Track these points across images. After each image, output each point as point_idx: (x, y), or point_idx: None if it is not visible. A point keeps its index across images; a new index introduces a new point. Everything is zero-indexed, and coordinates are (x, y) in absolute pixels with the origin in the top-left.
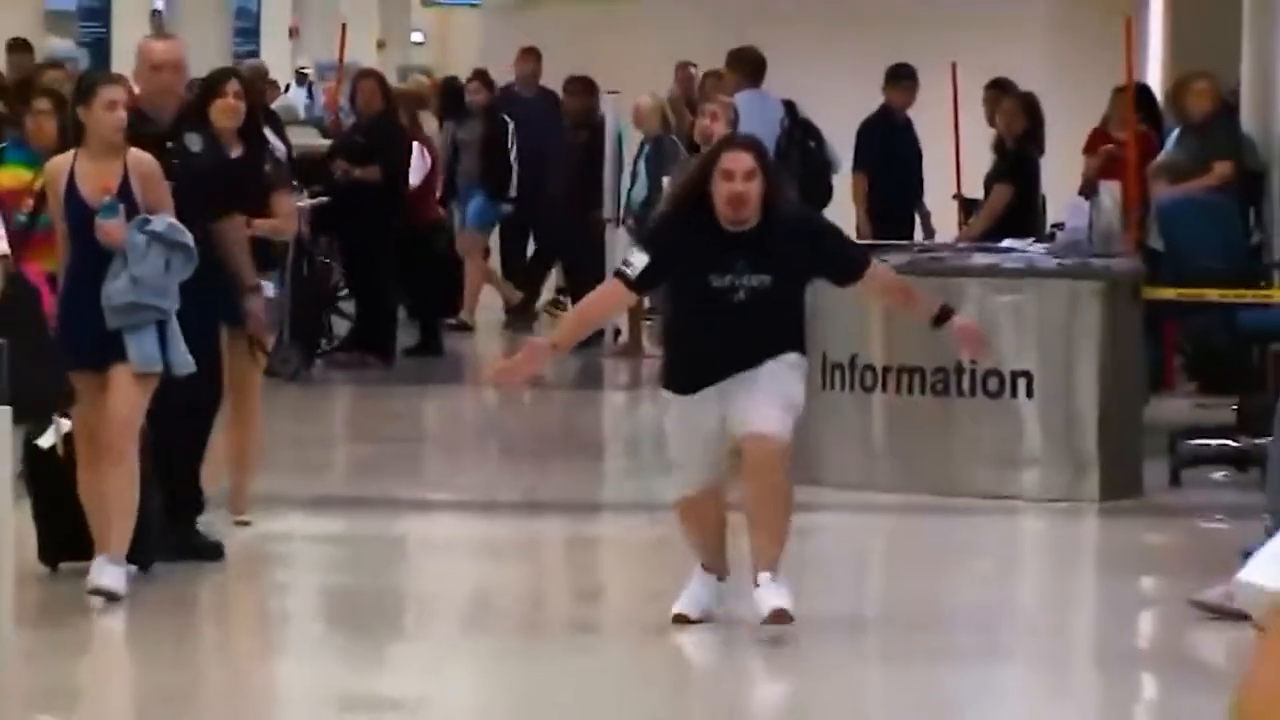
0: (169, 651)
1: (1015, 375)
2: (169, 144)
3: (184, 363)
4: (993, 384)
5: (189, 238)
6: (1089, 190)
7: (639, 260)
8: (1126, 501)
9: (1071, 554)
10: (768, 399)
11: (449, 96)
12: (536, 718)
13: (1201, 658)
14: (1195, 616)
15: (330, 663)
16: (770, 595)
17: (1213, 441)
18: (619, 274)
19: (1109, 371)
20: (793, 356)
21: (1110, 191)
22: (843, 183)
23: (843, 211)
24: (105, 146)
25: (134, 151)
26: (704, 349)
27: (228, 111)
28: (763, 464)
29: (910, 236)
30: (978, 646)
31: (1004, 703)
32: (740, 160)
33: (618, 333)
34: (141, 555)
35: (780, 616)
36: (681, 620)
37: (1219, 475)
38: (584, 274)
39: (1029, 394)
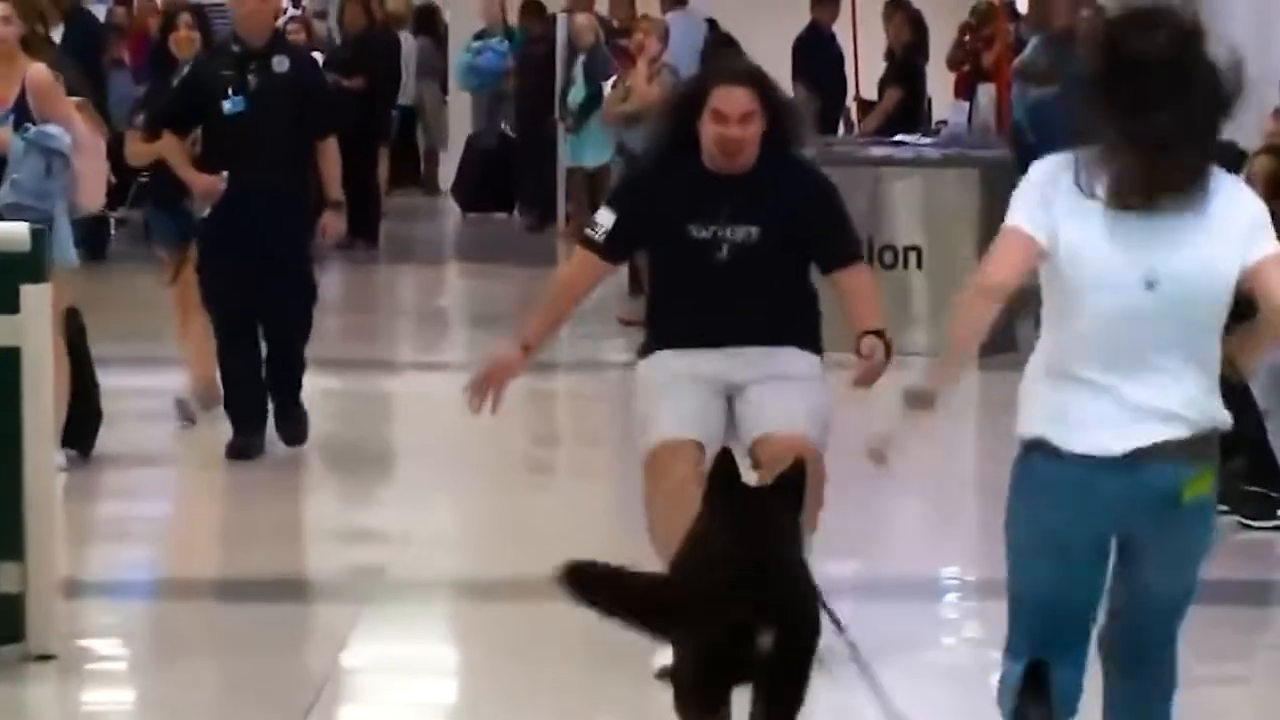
0: (197, 493)
1: (907, 249)
2: (253, 65)
3: (66, 259)
4: (888, 257)
5: (63, 142)
6: (966, 92)
7: (605, 219)
8: (1002, 355)
9: (955, 401)
10: (801, 410)
11: (422, 18)
12: (503, 544)
13: None
14: None
15: (327, 501)
16: None
17: None
18: (584, 240)
19: (986, 245)
20: (814, 363)
21: (986, 93)
22: None
23: None
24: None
25: (34, 66)
26: (690, 314)
27: (181, 43)
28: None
29: (838, 132)
30: (873, 479)
31: (895, 529)
32: (736, 100)
33: (569, 218)
34: (80, 442)
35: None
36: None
37: None
38: (539, 170)
39: (919, 265)
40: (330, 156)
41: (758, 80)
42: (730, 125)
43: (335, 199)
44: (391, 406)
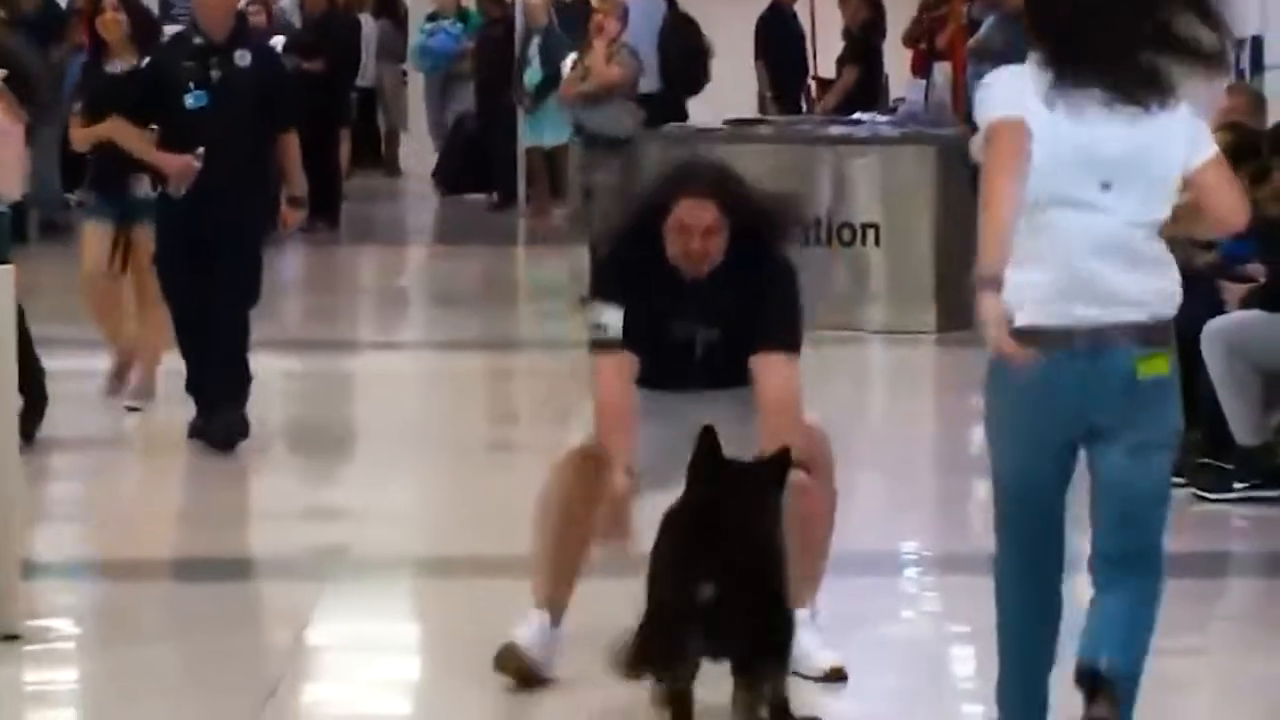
0: (154, 474)
1: (864, 226)
2: (215, 58)
3: None
4: (845, 234)
5: None
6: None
7: (612, 318)
8: (959, 332)
9: (913, 378)
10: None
11: (382, 0)
12: (464, 522)
13: None
14: None
15: (288, 481)
16: (818, 646)
17: None
18: (601, 346)
19: (943, 222)
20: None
21: (942, 71)
22: (721, 67)
23: (728, 94)
24: None
25: None
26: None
27: (107, 25)
28: (813, 458)
29: (800, 110)
30: (835, 452)
31: (856, 504)
32: (700, 213)
33: (529, 197)
34: (25, 425)
35: (837, 674)
36: (511, 654)
37: None
38: (496, 147)
39: (876, 242)
40: (291, 150)
41: (723, 192)
42: (694, 239)
43: (295, 194)
44: (352, 386)
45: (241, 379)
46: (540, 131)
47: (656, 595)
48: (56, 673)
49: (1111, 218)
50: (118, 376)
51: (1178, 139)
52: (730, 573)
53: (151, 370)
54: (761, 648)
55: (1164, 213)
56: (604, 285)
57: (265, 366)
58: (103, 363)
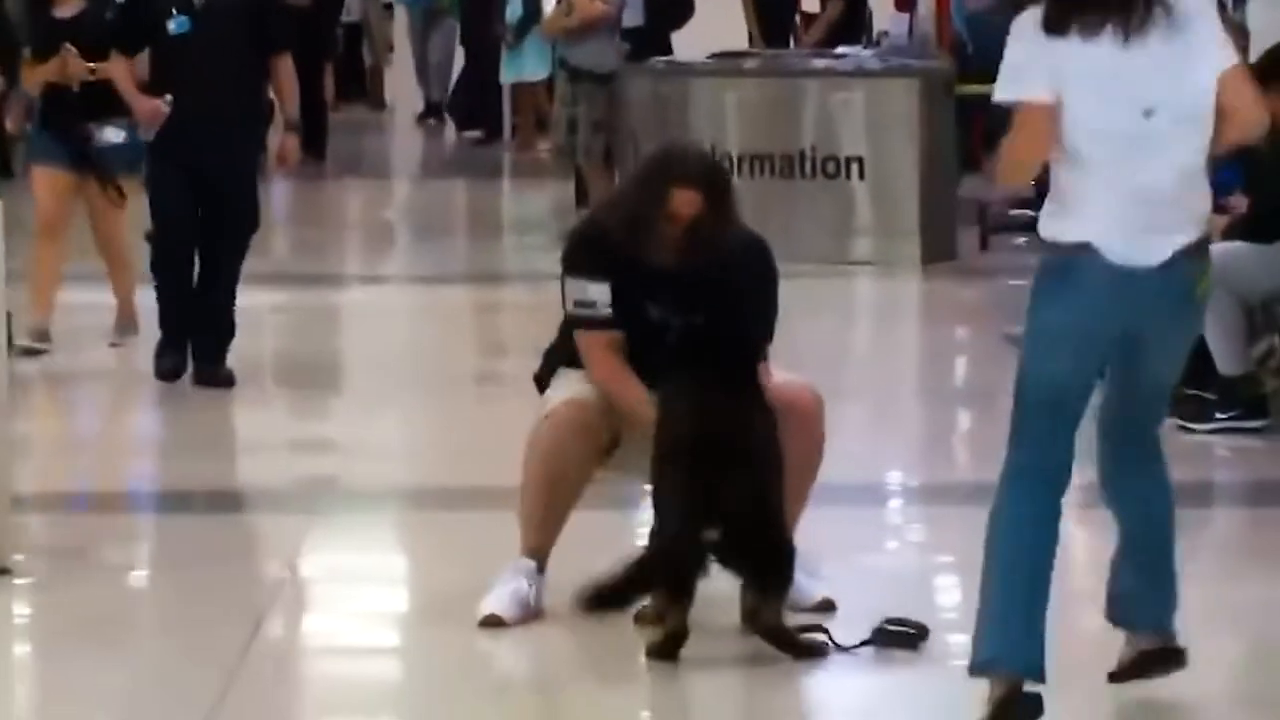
0: (141, 408)
1: (849, 160)
2: None
3: None
4: (830, 168)
5: None
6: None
7: (600, 294)
8: (943, 264)
9: (898, 308)
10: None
11: None
12: (452, 454)
13: (1007, 391)
14: (1002, 355)
15: (276, 413)
16: (805, 578)
17: (1015, 212)
18: (586, 323)
19: (927, 155)
20: None
21: (926, 4)
22: (705, 1)
23: (713, 28)
24: None
25: None
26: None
27: None
28: (807, 413)
29: (789, 43)
30: (819, 384)
31: (841, 436)
32: (690, 201)
33: (515, 129)
34: None
35: (827, 605)
36: (494, 622)
37: (1021, 240)
38: (487, 74)
39: (861, 175)
40: (285, 75)
41: (709, 178)
42: (679, 228)
43: (290, 119)
44: (340, 320)
45: (228, 330)
46: (521, 67)
47: (664, 531)
48: (45, 606)
49: (1160, 144)
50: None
51: (1201, 53)
52: (738, 512)
53: (129, 305)
54: (767, 578)
55: (1207, 132)
56: (587, 260)
57: (253, 300)
58: (94, 297)
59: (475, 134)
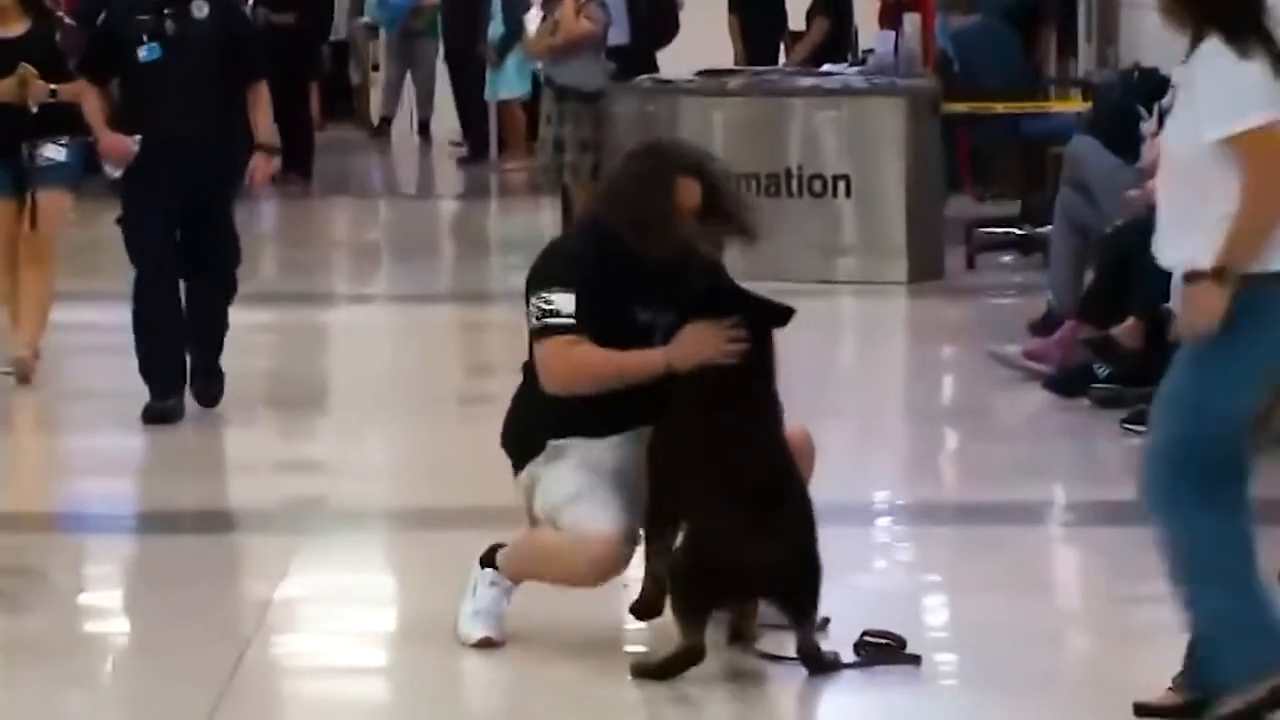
0: (128, 426)
1: (835, 178)
2: (170, 9)
3: None
4: (817, 186)
5: None
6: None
7: (562, 302)
8: (930, 283)
9: (884, 328)
10: None
11: None
12: (440, 474)
13: (994, 410)
14: (989, 373)
15: (263, 433)
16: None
17: (1002, 230)
18: (550, 330)
19: (913, 174)
20: None
21: (911, 22)
22: (691, 19)
23: (698, 46)
24: None
25: None
26: (618, 398)
27: None
28: (801, 452)
29: (776, 62)
30: (806, 403)
31: (828, 455)
32: (694, 191)
33: (500, 149)
34: None
35: (824, 623)
36: (488, 644)
37: (1007, 259)
38: (470, 97)
39: (848, 194)
40: (260, 102)
41: (710, 169)
42: (685, 218)
43: (266, 143)
44: (326, 339)
45: (221, 339)
46: (501, 86)
47: (703, 550)
48: (29, 627)
49: None
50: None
51: None
52: (791, 540)
53: (36, 338)
54: (807, 603)
55: None
56: (557, 271)
57: (239, 320)
58: (78, 314)
59: (461, 151)
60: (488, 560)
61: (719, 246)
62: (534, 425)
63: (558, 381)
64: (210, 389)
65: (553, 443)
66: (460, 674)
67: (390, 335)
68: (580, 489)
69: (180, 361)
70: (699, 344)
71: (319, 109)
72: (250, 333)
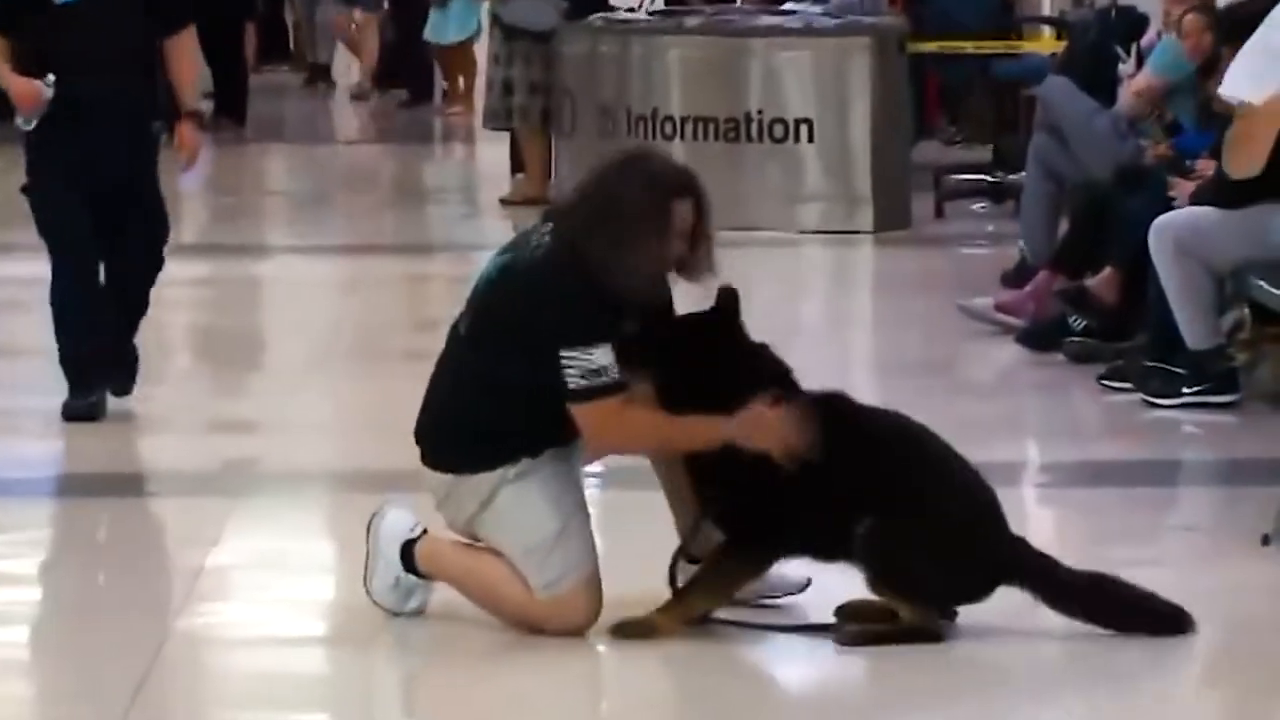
0: (54, 384)
1: (797, 122)
2: None
3: None
4: (778, 131)
5: None
6: None
7: (604, 357)
8: (896, 232)
9: (850, 279)
10: None
11: None
12: (382, 434)
13: (964, 365)
14: (958, 327)
15: (195, 391)
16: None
17: (972, 177)
18: (596, 392)
19: (879, 117)
20: None
21: None
22: None
23: None
24: None
25: None
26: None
27: None
28: None
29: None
30: None
31: None
32: (689, 212)
33: (445, 93)
34: None
35: (808, 585)
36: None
37: (977, 207)
38: (412, 46)
39: (810, 139)
40: (184, 56)
41: (697, 184)
42: (682, 243)
43: (191, 108)
44: (261, 293)
45: (133, 359)
46: (445, 29)
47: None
48: None
49: None
50: None
51: None
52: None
53: None
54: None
55: None
56: (586, 322)
57: (169, 273)
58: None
59: (401, 95)
60: (406, 557)
61: (705, 270)
62: (495, 431)
63: (610, 447)
64: (123, 375)
65: (528, 460)
66: (402, 644)
67: (329, 287)
68: (555, 534)
69: (105, 353)
70: (766, 431)
71: (254, 51)
72: (182, 286)
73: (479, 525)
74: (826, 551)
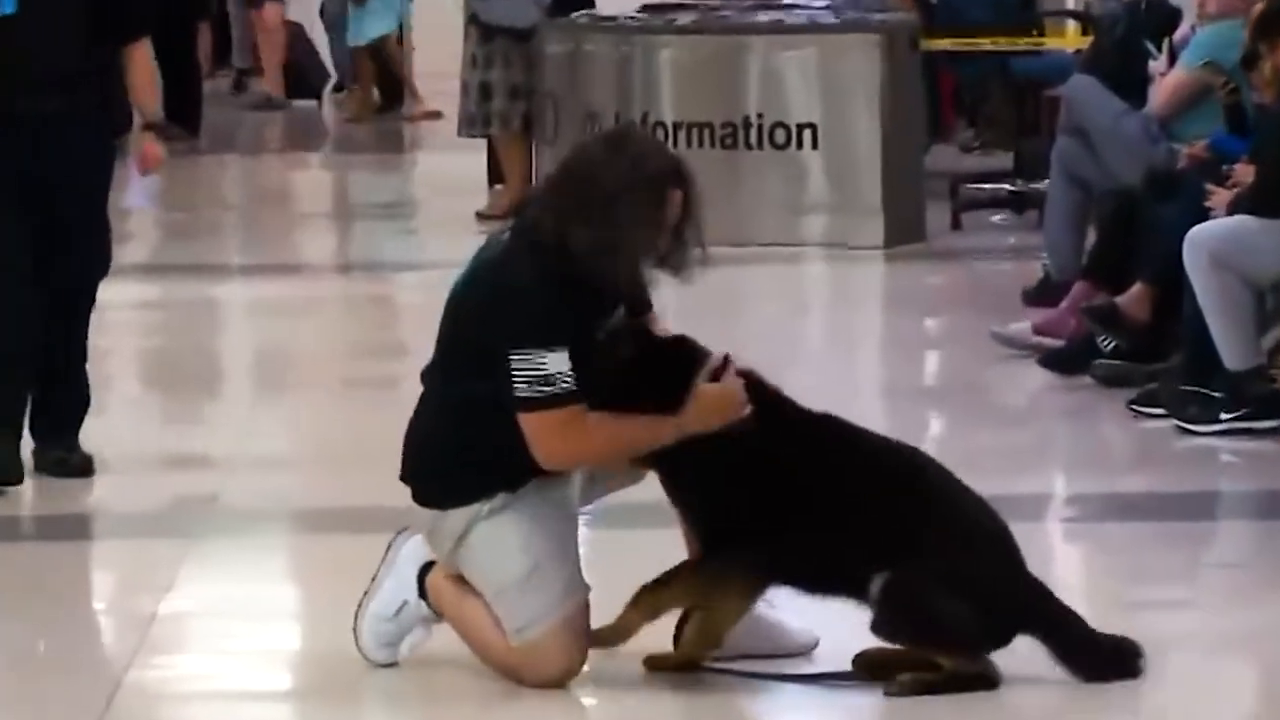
0: None
1: (800, 127)
2: None
3: None
4: (779, 136)
5: None
6: None
7: (559, 363)
8: (909, 246)
9: (858, 298)
10: None
11: None
12: (346, 468)
13: (984, 391)
14: (977, 349)
15: (146, 423)
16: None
17: (991, 185)
18: (546, 402)
19: (890, 121)
20: None
21: None
22: None
23: None
24: None
25: None
26: None
27: None
28: None
29: None
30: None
31: None
32: (679, 199)
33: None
34: None
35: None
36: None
37: (997, 218)
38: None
39: (814, 145)
40: (140, 66)
41: (684, 168)
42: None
43: (152, 120)
44: (216, 315)
45: (83, 400)
46: (364, 27)
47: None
48: None
49: None
50: None
51: None
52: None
53: None
54: None
55: None
56: (542, 324)
57: (118, 295)
58: None
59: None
60: (420, 584)
61: (693, 264)
62: (469, 461)
63: (560, 460)
64: (70, 455)
65: (505, 495)
66: (368, 697)
67: (288, 310)
68: (523, 576)
69: (21, 403)
70: (713, 410)
71: (209, 54)
72: (130, 309)
73: (460, 563)
74: (820, 584)
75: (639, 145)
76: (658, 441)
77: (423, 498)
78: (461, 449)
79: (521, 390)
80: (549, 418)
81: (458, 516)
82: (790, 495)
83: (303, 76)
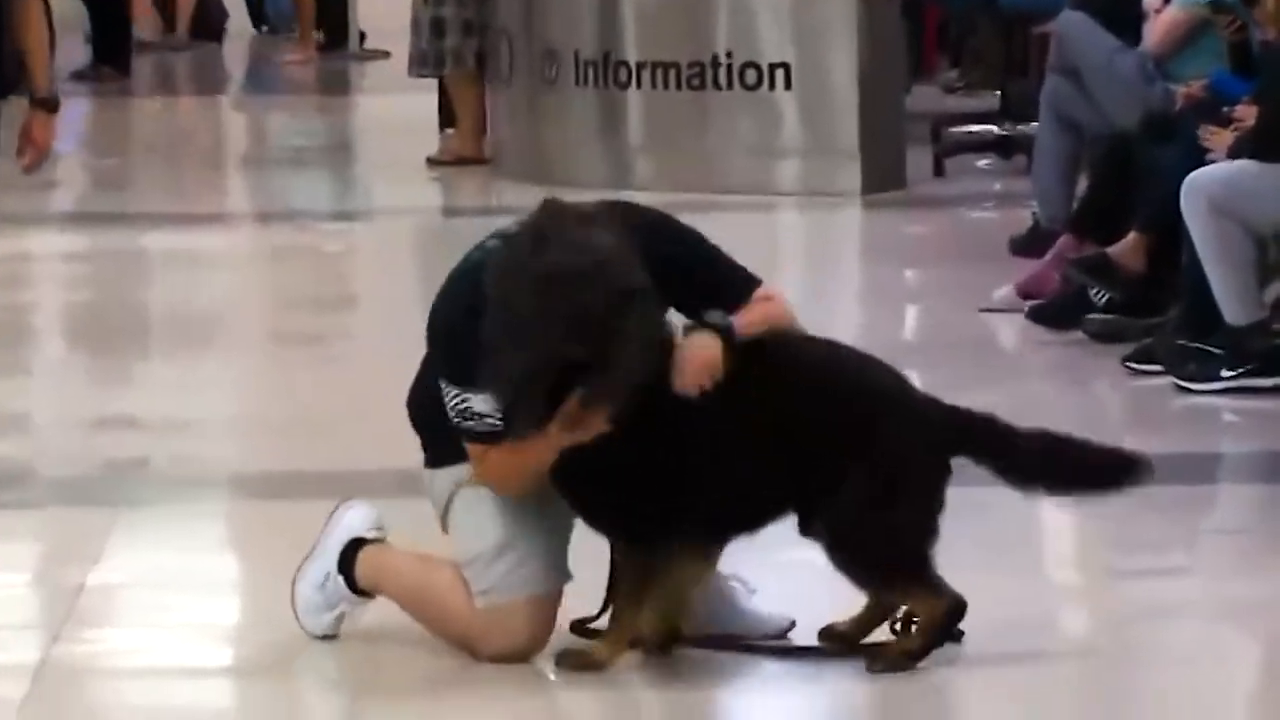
0: None
1: (773, 67)
2: None
3: None
4: (750, 77)
5: None
6: None
7: (486, 405)
8: (889, 193)
9: (834, 248)
10: None
11: None
12: (287, 430)
13: (969, 346)
14: (961, 302)
15: (72, 384)
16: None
17: (976, 128)
18: (478, 437)
19: (868, 60)
20: None
21: None
22: None
23: None
24: None
25: None
26: None
27: None
28: None
29: None
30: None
31: None
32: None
33: (363, 36)
34: None
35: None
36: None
37: (983, 163)
38: None
39: (787, 85)
40: (33, 28)
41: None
42: None
43: (44, 95)
44: (149, 268)
45: None
46: None
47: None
48: None
49: None
50: None
51: None
52: None
53: None
54: None
55: None
56: (468, 364)
57: (44, 246)
58: None
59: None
60: (345, 566)
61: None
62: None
63: (493, 487)
64: None
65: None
66: (307, 673)
67: (226, 262)
68: (497, 545)
69: None
70: (574, 422)
71: None
72: (55, 261)
73: (448, 524)
74: (753, 522)
75: (603, 261)
76: (548, 456)
77: (428, 456)
78: (442, 412)
79: (452, 415)
80: (473, 449)
81: (443, 480)
82: (686, 462)
83: (204, 18)
